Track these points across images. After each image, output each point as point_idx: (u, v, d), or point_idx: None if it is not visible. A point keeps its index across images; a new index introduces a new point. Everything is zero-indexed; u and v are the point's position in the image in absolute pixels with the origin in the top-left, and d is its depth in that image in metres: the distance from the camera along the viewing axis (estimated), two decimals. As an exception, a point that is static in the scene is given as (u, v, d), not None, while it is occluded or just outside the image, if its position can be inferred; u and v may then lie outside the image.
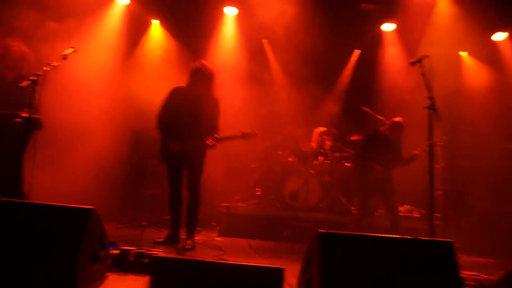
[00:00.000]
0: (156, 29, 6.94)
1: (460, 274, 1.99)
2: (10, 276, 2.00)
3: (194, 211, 4.06)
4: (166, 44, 6.87)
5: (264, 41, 7.31)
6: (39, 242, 2.09)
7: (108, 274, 2.56)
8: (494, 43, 6.54)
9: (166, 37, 6.92)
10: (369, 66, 7.13)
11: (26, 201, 2.85)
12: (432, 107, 3.10)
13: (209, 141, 3.98)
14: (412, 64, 3.28)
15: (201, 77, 4.01)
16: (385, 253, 2.04)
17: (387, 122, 5.27)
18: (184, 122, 4.02)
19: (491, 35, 6.47)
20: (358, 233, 2.13)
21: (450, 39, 5.99)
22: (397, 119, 4.92)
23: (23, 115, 3.44)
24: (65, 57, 3.42)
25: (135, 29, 6.68)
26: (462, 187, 5.96)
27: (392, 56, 6.92)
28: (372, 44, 7.10)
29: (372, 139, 4.97)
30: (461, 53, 6.75)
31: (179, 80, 4.30)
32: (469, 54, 6.73)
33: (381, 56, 7.09)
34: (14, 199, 2.27)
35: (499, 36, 6.48)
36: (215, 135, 4.05)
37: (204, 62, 4.15)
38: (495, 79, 6.40)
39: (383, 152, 4.83)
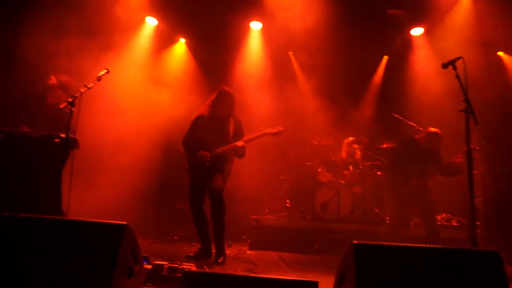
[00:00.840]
0: (182, 48, 7.13)
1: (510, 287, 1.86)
2: (50, 291, 2.06)
3: (220, 219, 4.06)
4: (192, 62, 7.05)
5: (290, 53, 7.33)
6: (76, 258, 2.14)
7: (143, 288, 2.59)
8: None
9: (192, 55, 7.09)
10: (399, 72, 6.98)
11: (64, 217, 2.95)
12: (468, 110, 2.97)
13: (239, 142, 4.03)
14: (445, 66, 3.14)
15: (224, 101, 4.17)
16: (425, 265, 1.94)
17: (420, 128, 5.10)
18: (211, 142, 4.13)
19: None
20: (394, 243, 2.04)
21: (483, 39, 5.76)
22: (433, 129, 4.65)
23: (62, 135, 3.60)
24: (99, 79, 3.57)
25: (164, 48, 6.90)
26: (503, 194, 5.64)
27: (423, 60, 6.74)
28: (402, 49, 6.97)
29: (406, 146, 4.75)
30: (499, 53, 6.47)
31: (204, 97, 4.42)
32: (506, 53, 6.44)
33: (411, 61, 6.93)
34: (53, 216, 2.35)
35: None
36: (245, 138, 4.13)
37: (226, 87, 4.31)
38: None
39: (419, 161, 4.60)
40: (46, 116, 4.11)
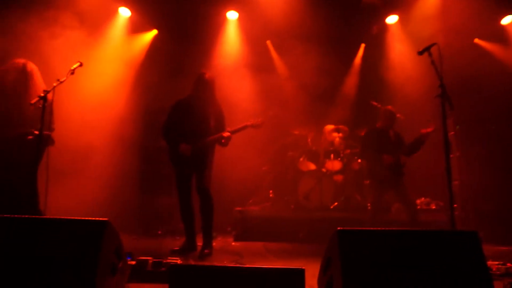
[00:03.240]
0: (157, 40, 6.97)
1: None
2: (30, 292, 2.00)
3: (209, 214, 4.01)
4: (168, 54, 6.90)
5: (268, 42, 7.30)
6: (57, 257, 2.09)
7: (127, 285, 2.55)
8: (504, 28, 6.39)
9: (168, 47, 6.94)
10: (377, 59, 7.06)
11: (42, 216, 2.86)
12: (443, 96, 3.03)
13: (225, 133, 4.00)
14: (420, 53, 3.21)
15: (203, 84, 4.10)
16: (407, 248, 1.98)
17: (398, 115, 5.21)
18: (191, 128, 4.06)
19: (500, 20, 6.32)
20: (377, 228, 2.08)
21: (459, 26, 5.87)
22: (387, 107, 4.95)
23: (35, 132, 3.47)
24: (72, 72, 3.45)
25: (139, 41, 6.74)
26: (479, 176, 5.83)
27: (399, 48, 6.84)
28: (378, 37, 7.04)
29: (371, 134, 4.99)
30: (476, 40, 6.61)
31: (184, 88, 4.34)
32: (480, 39, 6.59)
33: (388, 48, 7.02)
34: (31, 216, 2.28)
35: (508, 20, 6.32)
36: (228, 128, 4.08)
37: (206, 71, 4.24)
38: (507, 64, 6.24)
39: (384, 143, 4.81)
40: (19, 113, 3.94)
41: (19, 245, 2.12)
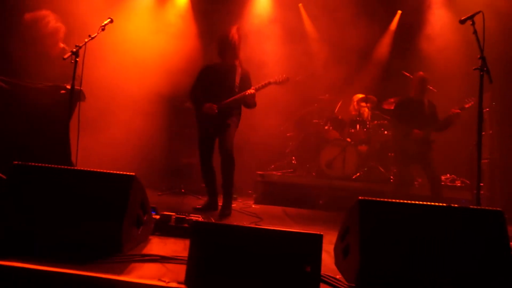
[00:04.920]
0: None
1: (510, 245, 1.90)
2: (61, 239, 2.14)
3: (229, 176, 4.04)
4: (200, 13, 6.79)
5: (300, 5, 7.05)
6: (86, 207, 2.20)
7: (151, 237, 2.68)
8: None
9: (199, 6, 6.82)
10: (413, 27, 6.71)
11: (75, 168, 3.00)
12: (483, 69, 2.87)
13: (249, 90, 3.98)
14: (462, 22, 3.01)
15: (229, 43, 4.04)
16: (428, 222, 1.97)
17: (430, 87, 5.01)
18: (217, 89, 4.07)
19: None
20: (399, 200, 2.06)
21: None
22: (419, 73, 4.80)
23: (68, 86, 3.57)
24: (103, 28, 3.47)
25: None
26: (510, 157, 5.62)
27: (439, 15, 6.45)
28: (416, 3, 6.65)
29: (403, 103, 4.83)
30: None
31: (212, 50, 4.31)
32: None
33: (426, 16, 6.64)
34: (64, 166, 2.39)
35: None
36: (253, 87, 4.05)
37: (229, 29, 4.11)
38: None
39: (417, 115, 4.65)
40: (52, 68, 4.04)
41: (51, 194, 2.25)
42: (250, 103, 4.08)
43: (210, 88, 4.10)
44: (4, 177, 2.43)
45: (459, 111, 4.51)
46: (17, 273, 1.79)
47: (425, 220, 1.99)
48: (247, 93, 3.99)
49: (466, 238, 1.93)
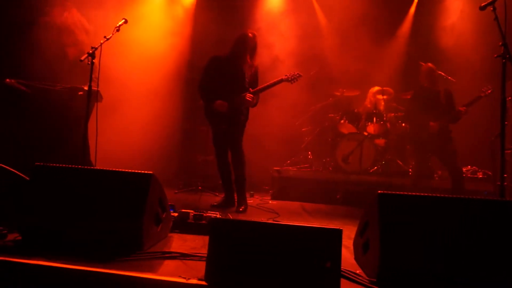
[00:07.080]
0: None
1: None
2: (83, 238, 2.18)
3: (240, 171, 4.08)
4: (214, 9, 6.77)
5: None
6: (107, 206, 2.24)
7: (171, 234, 2.71)
8: None
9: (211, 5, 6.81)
10: (430, 16, 6.55)
11: (95, 168, 3.06)
12: (505, 56, 2.77)
13: (246, 93, 3.98)
14: (482, 8, 2.90)
15: (245, 44, 4.03)
16: (449, 215, 1.93)
17: (449, 78, 4.89)
18: (227, 86, 4.05)
19: None
20: (418, 193, 2.02)
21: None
22: (427, 63, 4.68)
23: (85, 88, 3.64)
24: (118, 29, 3.51)
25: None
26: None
27: (456, 3, 6.28)
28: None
29: (419, 94, 4.73)
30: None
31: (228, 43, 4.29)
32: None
33: (443, 4, 6.48)
34: (84, 166, 2.44)
35: None
36: (250, 89, 4.03)
37: (250, 31, 4.13)
38: None
39: (434, 105, 4.54)
40: (69, 71, 4.13)
41: (74, 193, 2.29)
42: (248, 102, 4.04)
43: (220, 82, 4.06)
44: (27, 178, 2.49)
45: (465, 108, 4.40)
46: (43, 271, 1.83)
47: (446, 213, 1.94)
48: (243, 95, 3.95)
49: (489, 230, 1.88)
